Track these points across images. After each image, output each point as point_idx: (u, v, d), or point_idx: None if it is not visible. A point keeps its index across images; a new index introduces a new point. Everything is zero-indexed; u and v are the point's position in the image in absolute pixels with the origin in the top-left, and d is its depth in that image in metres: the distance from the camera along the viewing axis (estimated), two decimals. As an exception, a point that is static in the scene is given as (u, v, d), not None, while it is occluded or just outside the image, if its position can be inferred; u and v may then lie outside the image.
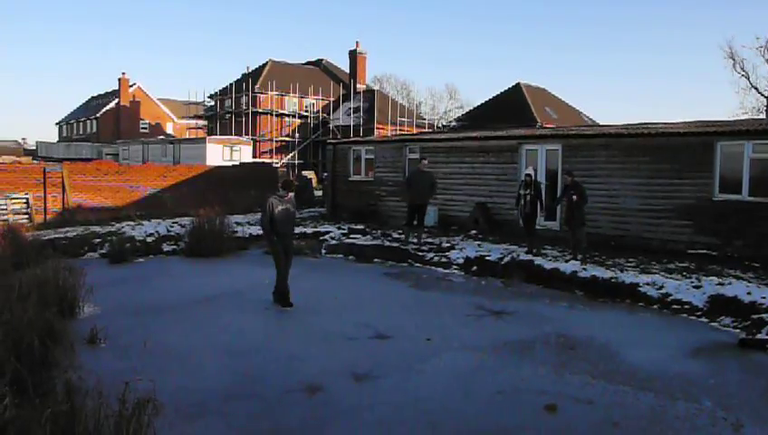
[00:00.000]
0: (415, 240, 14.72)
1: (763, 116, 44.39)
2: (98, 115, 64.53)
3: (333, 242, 15.41)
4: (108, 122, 63.53)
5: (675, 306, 9.49)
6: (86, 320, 8.20)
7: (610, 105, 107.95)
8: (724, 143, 13.43)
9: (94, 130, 64.91)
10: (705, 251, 13.18)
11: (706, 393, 6.08)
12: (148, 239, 14.87)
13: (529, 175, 13.77)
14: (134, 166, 26.59)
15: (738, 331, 8.33)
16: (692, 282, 10.22)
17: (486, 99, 47.19)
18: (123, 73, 63.29)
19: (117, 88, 64.24)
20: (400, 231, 16.41)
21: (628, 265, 12.04)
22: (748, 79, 48.66)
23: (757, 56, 53.95)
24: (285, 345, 7.56)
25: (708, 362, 7.19)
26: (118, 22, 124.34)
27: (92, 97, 73.66)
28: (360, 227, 17.76)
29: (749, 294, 9.07)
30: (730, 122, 18.16)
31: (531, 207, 13.45)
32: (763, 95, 48.27)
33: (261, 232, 16.25)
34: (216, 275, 12.22)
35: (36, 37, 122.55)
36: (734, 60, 48.79)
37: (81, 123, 69.12)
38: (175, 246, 14.78)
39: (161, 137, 53.51)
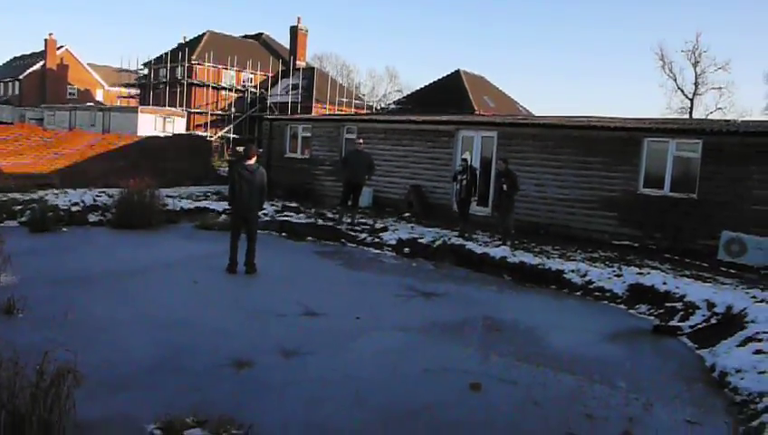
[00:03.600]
0: (349, 220, 14.73)
1: (687, 116, 46.50)
2: (21, 77, 61.23)
3: (266, 218, 15.23)
4: (32, 85, 60.40)
5: (597, 293, 9.89)
6: (2, 289, 7.82)
7: (545, 98, 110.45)
8: (650, 140, 14.01)
9: (17, 92, 61.60)
10: (628, 242, 13.77)
11: (622, 376, 6.38)
12: (73, 208, 14.29)
13: (465, 160, 14.01)
14: (61, 132, 25.44)
15: (653, 318, 8.78)
16: (614, 271, 10.66)
17: (426, 84, 47.40)
18: (50, 34, 60.13)
19: (43, 49, 61.09)
20: (335, 211, 16.39)
21: (555, 252, 12.45)
22: (675, 81, 50.89)
23: (685, 60, 56.30)
24: (214, 320, 7.46)
25: (625, 347, 7.55)
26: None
27: (15, 57, 69.75)
28: (294, 205, 17.65)
29: (665, 283, 9.54)
30: (657, 120, 18.94)
31: (465, 192, 13.68)
32: (687, 97, 50.59)
33: (192, 206, 16.11)
34: (144, 248, 11.90)
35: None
36: (663, 61, 50.92)
37: (2, 84, 65.48)
38: (101, 217, 14.27)
39: (90, 104, 51.36)
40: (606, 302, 9.66)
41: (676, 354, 7.37)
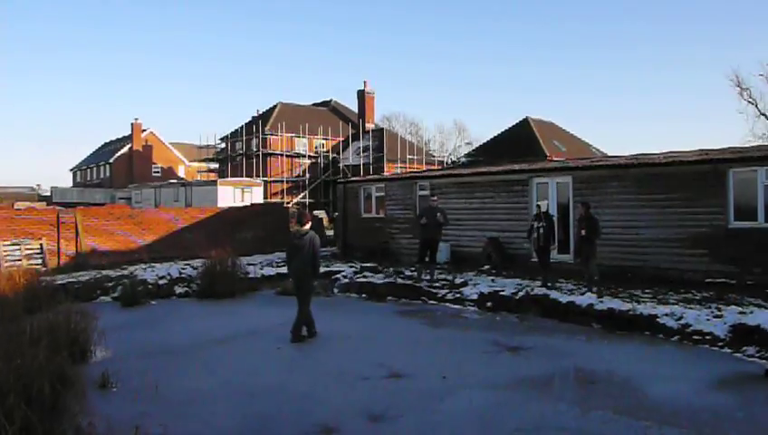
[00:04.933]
0: (428, 277, 14.58)
1: (773, 143, 44.26)
2: (111, 160, 65.35)
3: (345, 280, 15.32)
4: (121, 167, 64.27)
5: (695, 337, 9.29)
6: (97, 364, 8.12)
7: (619, 137, 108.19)
8: (736, 170, 13.32)
9: (108, 175, 65.69)
10: (722, 280, 12.95)
11: (735, 427, 5.87)
12: (161, 282, 14.86)
13: (539, 206, 13.74)
14: (146, 209, 26.73)
15: (764, 361, 8.11)
16: (712, 312, 10.02)
17: (495, 134, 47.37)
18: (136, 119, 64.28)
19: (130, 133, 65.14)
20: (413, 268, 16.29)
21: (645, 296, 11.84)
22: (756, 106, 48.71)
23: (764, 83, 54.10)
24: (299, 386, 7.42)
25: (735, 395, 6.97)
26: (131, 69, 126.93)
27: (106, 143, 74.75)
28: (371, 265, 17.67)
29: (772, 322, 8.86)
30: (741, 149, 18.07)
31: (544, 240, 13.35)
32: (772, 121, 48.17)
33: (273, 272, 16.42)
34: (228, 317, 12.14)
35: (51, 84, 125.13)
36: (740, 87, 48.94)
37: (94, 169, 69.99)
38: (187, 289, 14.76)
39: (173, 181, 53.99)
40: (707, 346, 9.04)
41: (793, 400, 6.74)
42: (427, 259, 14.75)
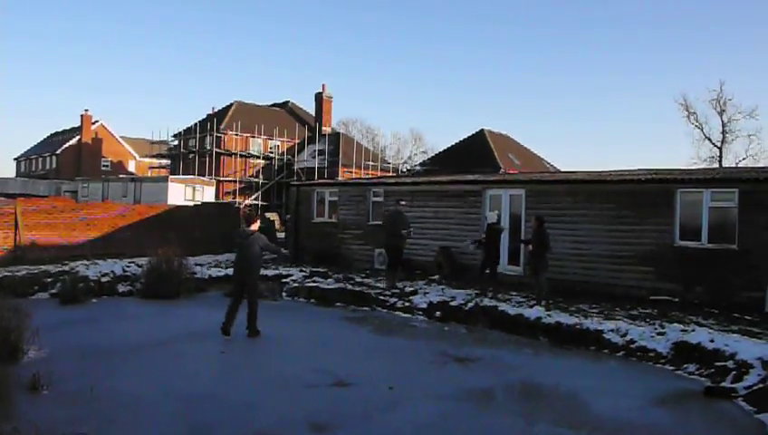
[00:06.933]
0: (396, 284, 14.28)
1: (716, 165, 45.88)
2: (58, 152, 63.27)
3: (295, 285, 15.10)
4: (68, 159, 62.30)
5: (639, 353, 9.42)
6: (29, 365, 7.71)
7: (572, 155, 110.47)
8: (683, 190, 13.67)
9: (54, 166, 63.56)
10: (667, 297, 13.24)
11: (674, 444, 5.94)
12: (103, 279, 14.35)
13: (486, 218, 13.99)
14: (91, 203, 25.91)
15: (703, 379, 8.27)
16: (655, 329, 10.18)
17: (451, 144, 47.74)
18: (86, 110, 62.33)
19: (79, 125, 63.24)
20: (363, 274, 16.15)
21: (592, 311, 11.99)
22: (702, 130, 50.48)
23: (710, 108, 56.10)
24: (242, 392, 7.21)
25: (674, 411, 7.08)
26: (82, 59, 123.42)
27: (53, 133, 72.34)
28: (322, 269, 17.47)
29: (712, 341, 9.04)
30: (689, 171, 18.60)
31: (484, 251, 13.63)
32: (716, 146, 50.03)
33: (221, 274, 16.07)
34: (172, 318, 11.80)
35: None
36: (688, 111, 50.68)
37: (40, 159, 67.64)
38: (131, 287, 14.31)
39: (122, 175, 52.63)
40: (650, 362, 9.18)
41: (732, 419, 6.86)
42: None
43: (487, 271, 14.08)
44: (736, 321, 11.19)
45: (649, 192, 14.12)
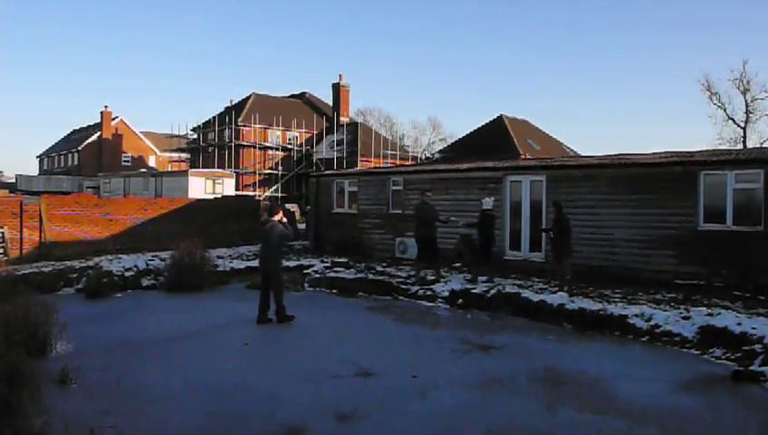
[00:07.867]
0: (425, 275, 14.19)
1: (740, 147, 45.12)
2: (79, 148, 64.05)
3: (316, 275, 15.15)
4: (90, 155, 63.04)
5: (665, 338, 9.34)
6: (57, 359, 7.86)
7: (592, 138, 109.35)
8: (706, 172, 13.45)
9: (76, 163, 64.38)
10: (691, 281, 13.07)
11: (702, 430, 5.88)
12: (127, 274, 14.51)
13: (482, 204, 14.15)
14: (114, 199, 26.20)
15: (731, 363, 8.17)
16: (680, 313, 10.06)
17: (469, 131, 47.44)
18: (106, 107, 63.10)
19: (99, 121, 63.91)
20: (384, 264, 16.14)
21: (615, 296, 11.89)
22: (725, 111, 49.61)
23: (733, 88, 55.09)
24: (266, 384, 7.26)
25: (702, 396, 7.00)
26: (101, 55, 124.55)
27: (74, 130, 73.21)
28: (343, 260, 17.50)
29: (739, 324, 8.93)
30: (711, 152, 18.30)
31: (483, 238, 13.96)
32: (739, 126, 49.17)
33: (242, 266, 16.18)
34: (195, 311, 11.89)
35: (18, 69, 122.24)
36: (710, 92, 49.81)
37: (62, 156, 68.55)
38: (154, 281, 14.46)
39: (143, 170, 53.11)
40: (675, 347, 9.09)
41: (762, 403, 6.78)
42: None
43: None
44: (763, 304, 11.02)
45: (672, 175, 13.92)
